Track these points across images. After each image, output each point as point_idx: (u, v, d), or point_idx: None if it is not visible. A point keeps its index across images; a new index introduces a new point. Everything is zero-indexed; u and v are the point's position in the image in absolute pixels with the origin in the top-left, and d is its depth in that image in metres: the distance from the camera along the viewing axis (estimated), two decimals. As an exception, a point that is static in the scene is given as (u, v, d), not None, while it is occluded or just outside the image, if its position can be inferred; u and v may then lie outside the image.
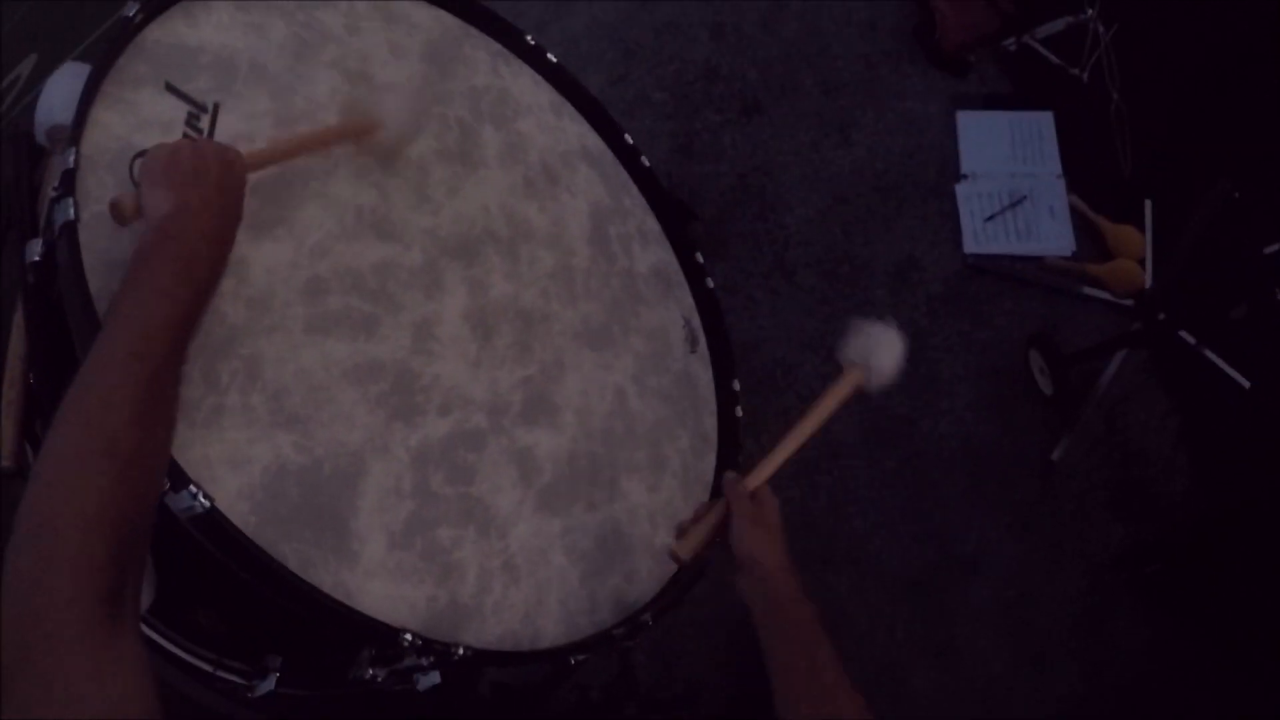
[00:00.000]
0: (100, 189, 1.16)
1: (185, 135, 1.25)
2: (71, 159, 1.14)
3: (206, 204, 1.09)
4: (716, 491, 1.63)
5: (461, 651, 1.16)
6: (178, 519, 1.05)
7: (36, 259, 1.17)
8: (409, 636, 1.11)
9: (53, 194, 1.14)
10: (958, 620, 2.67)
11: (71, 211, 1.10)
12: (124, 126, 1.23)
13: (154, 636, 1.32)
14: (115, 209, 1.10)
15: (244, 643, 1.32)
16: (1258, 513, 2.55)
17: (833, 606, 2.61)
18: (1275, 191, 2.25)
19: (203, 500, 1.01)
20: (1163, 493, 2.87)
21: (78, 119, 1.18)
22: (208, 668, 1.31)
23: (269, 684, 1.29)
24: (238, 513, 1.08)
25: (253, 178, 1.26)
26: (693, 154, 3.06)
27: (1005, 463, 2.82)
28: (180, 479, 1.02)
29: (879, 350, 1.45)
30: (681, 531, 1.38)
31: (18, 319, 1.24)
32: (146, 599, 1.18)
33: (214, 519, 1.03)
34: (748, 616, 1.31)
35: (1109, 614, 2.73)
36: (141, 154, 1.21)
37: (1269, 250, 1.97)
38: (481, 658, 1.19)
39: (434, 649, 1.14)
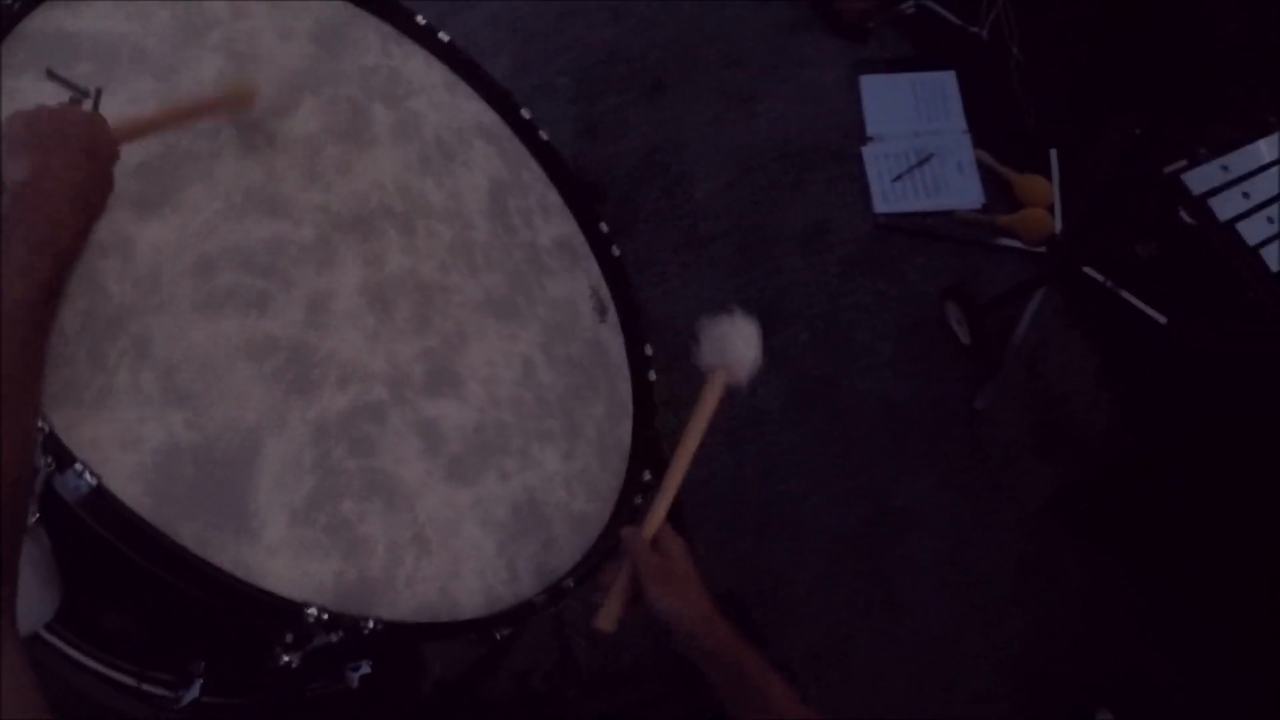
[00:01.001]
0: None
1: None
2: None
3: (72, 167, 1.05)
4: (634, 459, 1.61)
5: (372, 625, 1.13)
6: (71, 508, 1.02)
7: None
8: (314, 611, 1.08)
9: None
10: (898, 576, 2.70)
11: None
12: (4, 114, 1.18)
13: (71, 652, 1.29)
14: None
15: (162, 649, 1.30)
16: (1181, 443, 2.59)
17: (772, 573, 2.62)
18: (1172, 119, 2.29)
19: (89, 478, 0.98)
20: (1088, 432, 2.93)
21: None
22: (131, 681, 1.29)
23: (193, 692, 1.27)
24: (130, 494, 1.04)
25: (136, 158, 1.24)
26: (598, 136, 3.07)
27: (930, 415, 2.86)
28: (66, 458, 0.99)
29: (734, 345, 1.42)
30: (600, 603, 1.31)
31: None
32: (51, 607, 1.14)
33: (104, 499, 1.00)
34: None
35: (1046, 556, 2.78)
36: None
37: (1169, 170, 1.99)
38: (395, 631, 1.16)
39: (342, 623, 1.11)
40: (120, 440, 1.08)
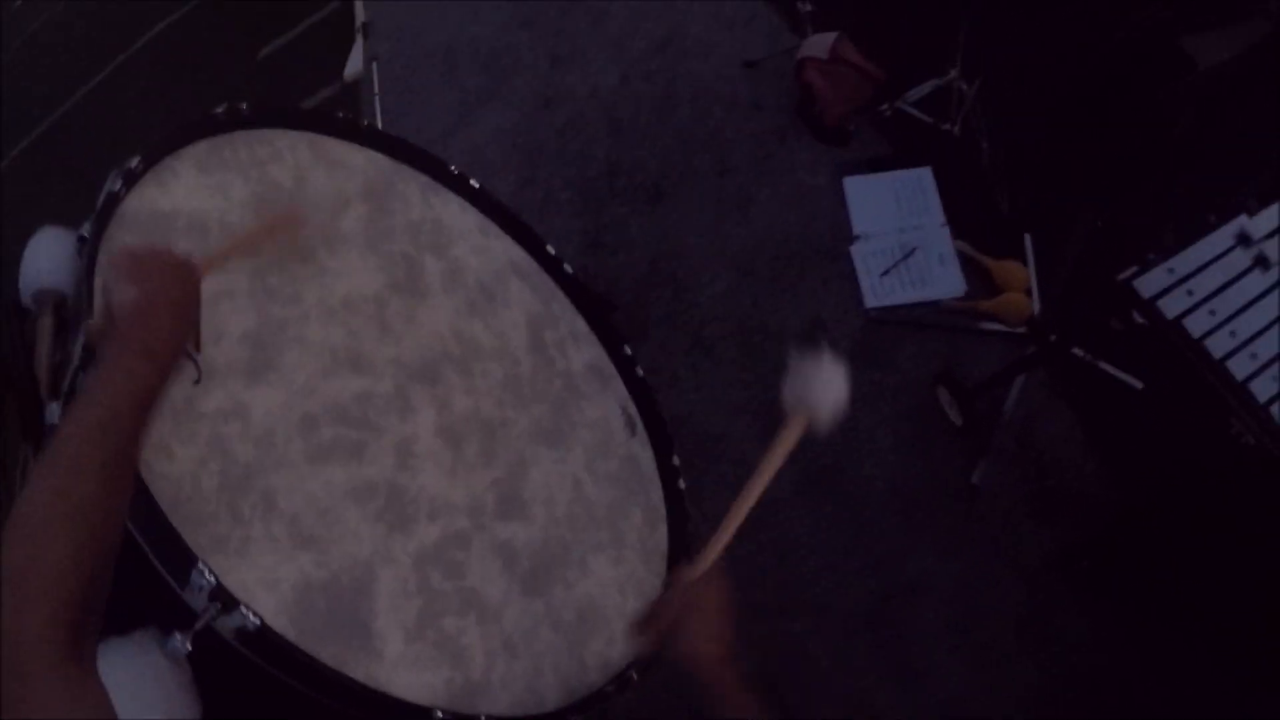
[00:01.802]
0: (112, 354, 1.33)
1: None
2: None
3: (167, 294, 1.26)
4: (671, 559, 1.80)
5: (484, 720, 1.34)
6: (223, 642, 1.22)
7: (55, 422, 1.33)
8: (440, 715, 1.29)
9: (76, 364, 1.30)
10: (912, 644, 2.84)
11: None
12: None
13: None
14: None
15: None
16: (1166, 496, 2.76)
17: (794, 649, 2.77)
18: (1133, 217, 2.49)
19: (253, 619, 1.19)
20: (1079, 495, 3.07)
21: (87, 292, 1.33)
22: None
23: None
24: (280, 627, 1.25)
25: (239, 330, 1.47)
26: (603, 246, 3.26)
27: (931, 493, 3.01)
28: (230, 602, 1.19)
29: (818, 389, 1.51)
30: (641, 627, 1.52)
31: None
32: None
33: (264, 635, 1.20)
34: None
35: (1050, 613, 2.91)
36: None
37: (1121, 277, 2.20)
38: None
39: (462, 721, 1.32)
40: (264, 582, 1.29)
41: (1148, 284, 2.24)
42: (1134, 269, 2.22)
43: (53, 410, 1.36)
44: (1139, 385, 3.02)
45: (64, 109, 3.52)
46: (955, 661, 2.85)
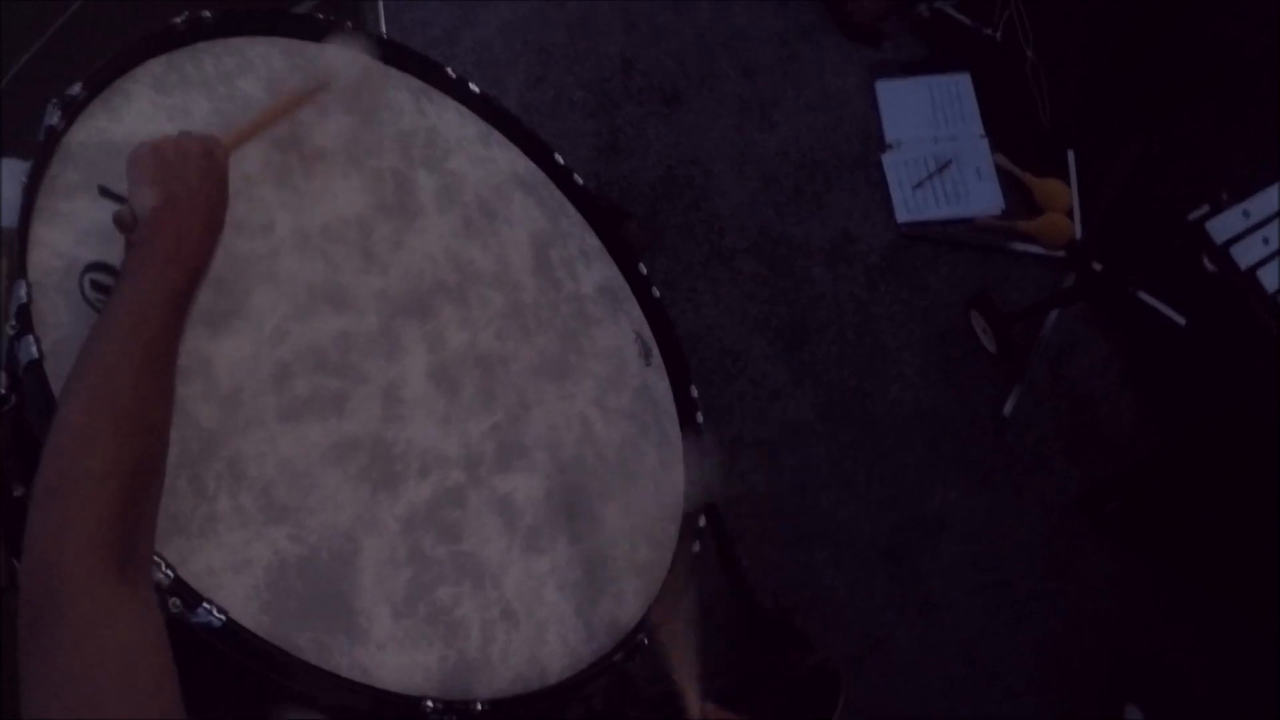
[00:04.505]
0: (55, 313, 1.17)
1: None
2: (23, 292, 1.14)
3: (191, 192, 1.16)
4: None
5: (480, 706, 1.20)
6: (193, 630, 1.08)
7: (3, 391, 1.18)
8: (430, 704, 1.15)
9: (10, 331, 1.15)
10: (932, 579, 2.76)
11: (34, 349, 1.11)
12: (65, 241, 1.23)
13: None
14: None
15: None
16: (1203, 441, 2.63)
17: (811, 581, 2.68)
18: (1194, 145, 2.30)
19: (218, 615, 1.05)
20: (1113, 433, 2.97)
21: (20, 243, 1.18)
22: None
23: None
24: (249, 614, 1.11)
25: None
26: (618, 150, 3.09)
27: (959, 422, 2.90)
28: (192, 598, 1.05)
29: None
30: None
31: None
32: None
33: (231, 629, 1.06)
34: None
35: (1075, 555, 2.83)
36: (91, 267, 1.23)
37: (1193, 216, 2.00)
38: (500, 707, 1.23)
39: (455, 709, 1.18)
40: (232, 565, 1.14)
41: (1220, 227, 2.05)
42: (1205, 208, 2.02)
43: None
44: (1181, 321, 2.87)
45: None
46: (973, 600, 2.77)
